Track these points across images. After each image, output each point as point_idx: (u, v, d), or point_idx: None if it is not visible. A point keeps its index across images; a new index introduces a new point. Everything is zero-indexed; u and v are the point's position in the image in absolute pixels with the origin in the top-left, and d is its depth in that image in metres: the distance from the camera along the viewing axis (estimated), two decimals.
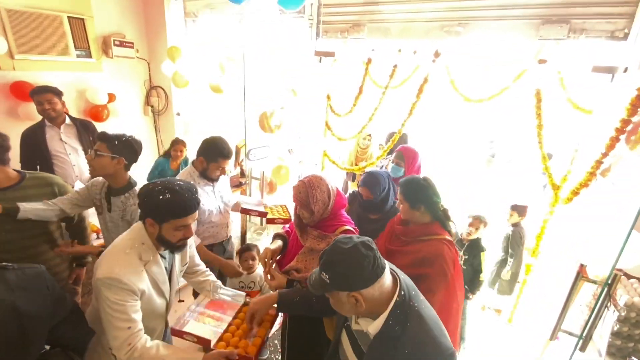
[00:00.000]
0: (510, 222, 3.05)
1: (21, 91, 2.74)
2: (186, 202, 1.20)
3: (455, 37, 2.81)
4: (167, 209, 1.19)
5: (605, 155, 2.08)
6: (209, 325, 1.39)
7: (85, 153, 2.59)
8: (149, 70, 3.86)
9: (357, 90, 3.43)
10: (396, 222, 1.68)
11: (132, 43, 3.52)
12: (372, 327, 0.97)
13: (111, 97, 3.47)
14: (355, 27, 3.05)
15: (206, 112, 3.97)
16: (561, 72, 2.99)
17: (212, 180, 2.01)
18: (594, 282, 1.73)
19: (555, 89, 3.15)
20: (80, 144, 2.58)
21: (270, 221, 2.28)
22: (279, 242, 1.71)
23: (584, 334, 1.75)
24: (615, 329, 2.52)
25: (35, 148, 2.42)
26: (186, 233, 1.25)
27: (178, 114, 3.95)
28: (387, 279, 0.96)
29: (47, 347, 1.15)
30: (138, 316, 1.18)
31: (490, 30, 2.74)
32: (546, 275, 3.00)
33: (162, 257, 1.31)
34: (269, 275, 1.54)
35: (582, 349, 1.79)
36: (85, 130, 2.65)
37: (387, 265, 0.99)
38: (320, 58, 3.12)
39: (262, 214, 2.26)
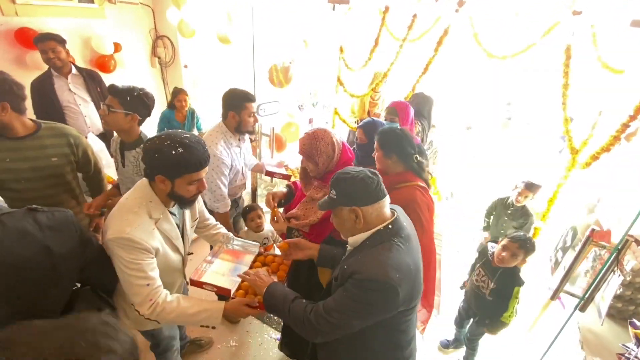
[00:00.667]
0: (521, 202, 2.56)
1: (26, 38, 2.67)
2: (199, 156, 1.17)
3: None
4: (181, 164, 1.14)
5: (633, 118, 1.97)
6: (226, 275, 1.43)
7: (95, 104, 2.57)
8: (154, 19, 3.68)
9: (373, 42, 3.23)
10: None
11: None
12: (353, 239, 1.11)
13: (117, 47, 3.35)
14: None
15: (214, 64, 3.83)
16: (595, 26, 2.74)
17: (250, 132, 2.00)
18: (604, 246, 1.73)
19: (586, 47, 2.92)
20: (88, 95, 2.55)
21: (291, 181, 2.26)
22: (283, 189, 1.80)
23: (586, 296, 1.78)
24: (619, 292, 2.59)
25: (46, 99, 2.41)
26: (200, 187, 1.23)
27: (185, 67, 3.83)
28: (385, 207, 1.09)
29: (78, 285, 1.21)
30: (155, 273, 1.18)
31: None
32: (554, 239, 3.02)
33: (172, 213, 1.29)
34: (274, 218, 1.63)
35: (582, 309, 1.83)
36: (92, 81, 2.60)
37: (387, 199, 1.10)
38: (334, 5, 2.91)
39: (286, 177, 2.22)
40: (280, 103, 2.75)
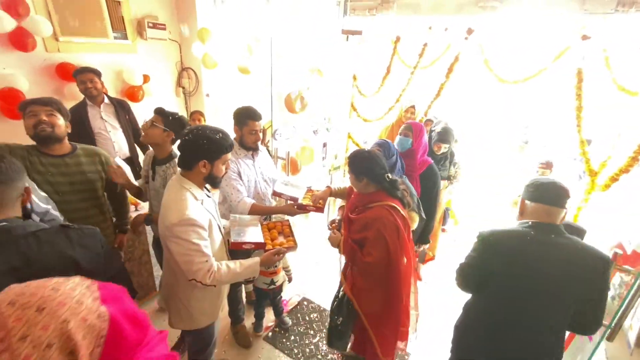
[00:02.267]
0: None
1: (66, 72, 2.92)
2: (230, 138, 1.46)
3: (491, 12, 2.67)
4: (223, 145, 1.41)
5: None
6: (250, 235, 1.70)
7: (123, 130, 2.76)
8: (180, 52, 3.97)
9: (385, 70, 3.36)
10: (355, 193, 1.80)
11: (165, 25, 3.63)
12: None
13: (145, 78, 3.62)
14: (383, 4, 2.96)
15: (234, 93, 4.05)
16: (607, 50, 2.78)
17: (249, 148, 2.10)
18: (629, 271, 1.66)
19: (599, 69, 2.94)
20: (118, 122, 2.75)
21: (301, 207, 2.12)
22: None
23: (613, 324, 1.70)
24: None
25: (80, 126, 2.60)
26: (227, 166, 1.51)
27: (207, 95, 4.07)
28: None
29: None
30: (210, 250, 1.41)
31: (529, 3, 2.57)
32: None
33: (207, 196, 1.52)
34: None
35: (610, 338, 1.74)
36: (122, 109, 2.81)
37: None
38: (347, 36, 3.08)
39: (293, 199, 2.17)
40: (295, 128, 2.86)
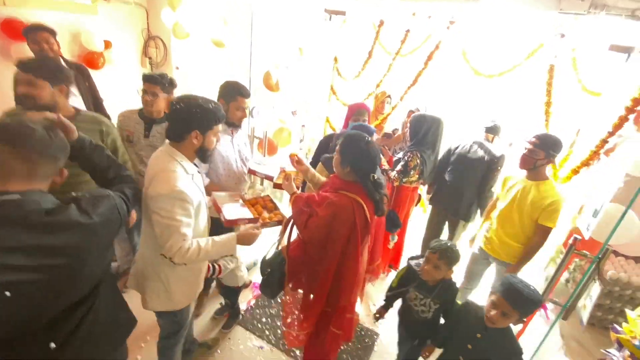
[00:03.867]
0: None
1: (13, 29, 2.58)
2: (222, 108, 1.41)
3: (474, 3, 2.68)
4: (217, 115, 1.36)
5: (612, 134, 2.08)
6: (239, 211, 1.68)
7: (83, 97, 2.50)
8: (147, 19, 3.64)
9: (366, 55, 3.31)
10: (334, 176, 1.69)
11: None
12: None
13: (107, 44, 3.29)
14: None
15: (207, 67, 3.81)
16: (575, 51, 2.91)
17: (234, 125, 2.02)
18: (585, 256, 1.79)
19: (567, 70, 3.09)
20: (77, 88, 2.47)
21: (277, 186, 2.11)
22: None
23: (569, 304, 1.83)
24: (599, 301, 2.67)
25: None
26: (218, 138, 1.46)
27: (177, 68, 3.79)
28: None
29: None
30: (190, 231, 1.33)
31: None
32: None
33: (198, 171, 1.46)
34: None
35: (565, 317, 1.88)
36: (81, 75, 2.54)
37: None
38: (330, 16, 2.98)
39: (268, 177, 2.15)
40: (274, 107, 2.75)
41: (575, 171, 2.37)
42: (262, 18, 2.57)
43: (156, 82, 2.00)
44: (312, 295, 1.67)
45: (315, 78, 3.30)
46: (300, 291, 1.74)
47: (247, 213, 1.68)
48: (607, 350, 1.95)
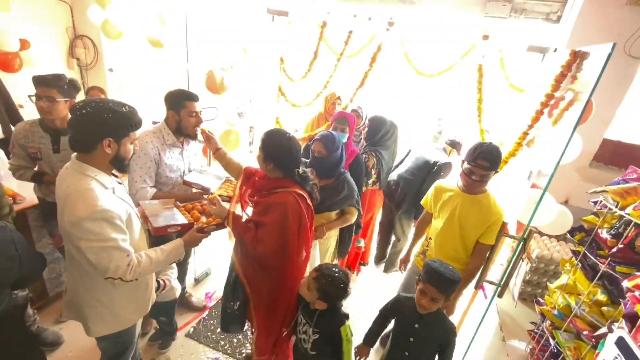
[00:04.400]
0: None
1: None
2: (137, 113, 1.26)
3: (410, 6, 2.83)
4: (132, 120, 1.22)
5: (530, 127, 2.30)
6: (171, 218, 1.58)
7: None
8: (72, 16, 3.33)
9: (312, 55, 3.33)
10: (259, 175, 1.67)
11: None
12: None
13: (24, 44, 2.95)
14: None
15: (144, 68, 3.58)
16: (502, 51, 3.19)
17: (190, 136, 1.90)
18: (513, 237, 1.96)
19: (495, 68, 3.37)
20: None
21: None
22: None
23: (502, 283, 2.00)
24: (527, 277, 2.97)
25: None
26: (136, 145, 1.33)
27: (111, 70, 3.52)
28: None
29: None
30: (128, 245, 1.22)
31: (441, 3, 2.80)
32: None
33: (118, 182, 1.34)
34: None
35: (500, 295, 2.05)
36: None
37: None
38: (273, 17, 2.94)
39: (205, 190, 1.95)
40: (217, 109, 2.66)
41: (505, 161, 2.59)
42: (199, 17, 2.46)
43: (49, 85, 1.70)
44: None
45: (262, 79, 3.25)
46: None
47: (179, 219, 1.59)
48: (534, 322, 2.17)
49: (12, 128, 2.40)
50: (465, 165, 1.76)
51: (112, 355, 1.50)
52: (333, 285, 1.45)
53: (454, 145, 3.03)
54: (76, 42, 3.37)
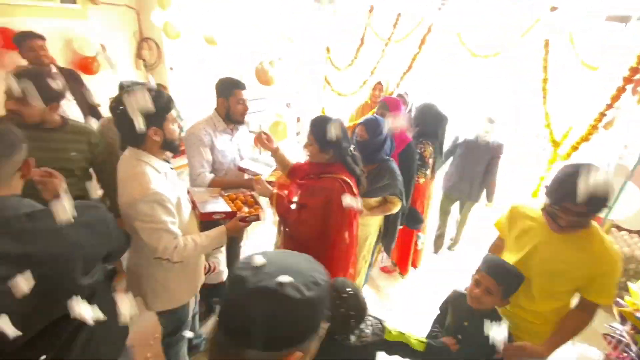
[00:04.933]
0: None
1: (5, 38, 2.59)
2: (165, 93, 1.31)
3: None
4: (162, 102, 1.26)
5: (609, 106, 2.04)
6: (217, 206, 1.65)
7: (78, 103, 2.53)
8: (138, 20, 3.64)
9: (359, 41, 3.28)
10: (308, 162, 1.72)
11: None
12: None
13: (102, 49, 3.30)
14: None
15: (201, 66, 3.80)
16: (571, 24, 2.85)
17: (236, 121, 2.01)
18: None
19: (563, 45, 3.03)
20: (72, 95, 2.50)
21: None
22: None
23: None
24: None
25: None
26: (178, 125, 1.39)
27: (171, 69, 3.79)
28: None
29: None
30: (177, 228, 1.32)
31: None
32: None
33: (170, 167, 1.43)
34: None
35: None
36: (74, 81, 2.56)
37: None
38: (320, 5, 2.95)
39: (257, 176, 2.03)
40: (267, 100, 2.74)
41: (575, 147, 2.33)
42: (251, 11, 2.55)
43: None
44: None
45: (309, 69, 3.28)
46: None
47: (224, 207, 1.66)
48: (611, 324, 1.94)
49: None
50: (547, 204, 1.23)
51: (170, 330, 1.65)
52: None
53: (491, 121, 2.95)
54: (142, 44, 3.68)
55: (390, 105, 2.39)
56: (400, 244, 2.79)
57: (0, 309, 0.75)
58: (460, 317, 1.45)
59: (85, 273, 0.96)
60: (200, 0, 3.43)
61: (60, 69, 2.51)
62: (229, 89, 1.93)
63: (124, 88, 1.82)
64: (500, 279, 1.29)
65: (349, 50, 3.39)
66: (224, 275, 2.05)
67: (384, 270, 3.06)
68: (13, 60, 2.61)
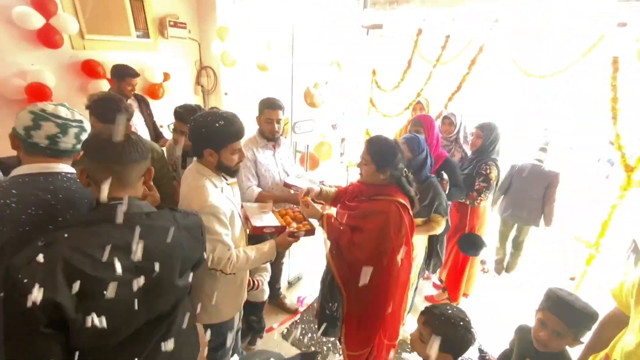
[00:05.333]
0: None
1: (91, 69, 2.99)
2: (239, 125, 1.36)
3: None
4: (225, 134, 1.32)
5: None
6: (267, 220, 1.68)
7: (147, 126, 2.82)
8: (200, 50, 4.01)
9: (404, 65, 3.30)
10: (358, 183, 1.69)
11: (185, 24, 3.68)
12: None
13: (166, 76, 3.67)
14: None
15: (252, 90, 4.06)
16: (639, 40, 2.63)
17: (267, 138, 2.12)
18: None
19: (633, 62, 2.79)
20: (142, 117, 2.80)
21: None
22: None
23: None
24: None
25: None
26: (241, 156, 1.42)
27: (226, 94, 4.10)
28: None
29: None
30: (230, 240, 1.38)
31: None
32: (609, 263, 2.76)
33: (227, 184, 1.49)
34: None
35: None
36: (145, 106, 2.88)
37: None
38: (368, 31, 3.04)
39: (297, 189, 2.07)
40: (314, 122, 2.83)
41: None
42: (302, 38, 2.70)
43: (184, 120, 2.01)
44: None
45: (354, 91, 3.35)
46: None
47: (274, 221, 1.70)
48: None
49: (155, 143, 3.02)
50: None
51: (216, 344, 1.68)
52: (451, 326, 1.10)
53: (544, 149, 3.00)
54: (201, 72, 4.04)
55: (425, 123, 2.35)
56: (453, 267, 2.67)
57: (118, 296, 0.82)
58: (523, 353, 1.32)
59: (180, 275, 1.04)
60: (254, 31, 3.71)
61: (135, 95, 2.83)
62: (260, 109, 2.09)
63: (177, 112, 2.07)
64: (570, 322, 1.13)
65: (395, 72, 3.41)
66: (266, 295, 2.06)
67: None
68: (96, 88, 2.99)
